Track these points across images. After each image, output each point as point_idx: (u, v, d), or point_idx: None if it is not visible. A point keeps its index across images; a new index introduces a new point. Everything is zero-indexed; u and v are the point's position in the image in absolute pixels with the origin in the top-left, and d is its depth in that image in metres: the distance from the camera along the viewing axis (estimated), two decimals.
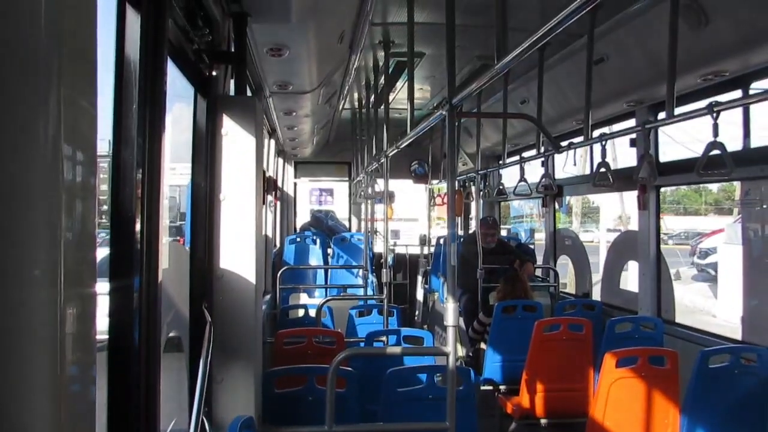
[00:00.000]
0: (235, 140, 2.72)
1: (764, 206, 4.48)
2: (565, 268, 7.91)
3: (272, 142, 7.36)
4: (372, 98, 6.59)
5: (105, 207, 1.73)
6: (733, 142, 3.86)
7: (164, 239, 1.87)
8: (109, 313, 1.53)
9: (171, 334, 2.33)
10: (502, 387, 5.01)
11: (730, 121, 3.79)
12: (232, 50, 2.94)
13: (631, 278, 6.69)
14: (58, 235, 0.89)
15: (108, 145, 1.69)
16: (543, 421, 4.37)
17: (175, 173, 3.93)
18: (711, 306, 14.56)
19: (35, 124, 0.89)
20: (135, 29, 1.64)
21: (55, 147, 0.90)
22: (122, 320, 1.54)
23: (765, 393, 3.38)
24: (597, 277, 6.92)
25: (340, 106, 7.28)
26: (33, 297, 0.87)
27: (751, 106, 3.94)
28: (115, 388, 1.50)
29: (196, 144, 2.70)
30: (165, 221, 1.79)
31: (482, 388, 5.01)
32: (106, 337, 1.53)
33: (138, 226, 1.60)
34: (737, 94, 4.07)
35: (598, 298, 6.18)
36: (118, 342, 1.53)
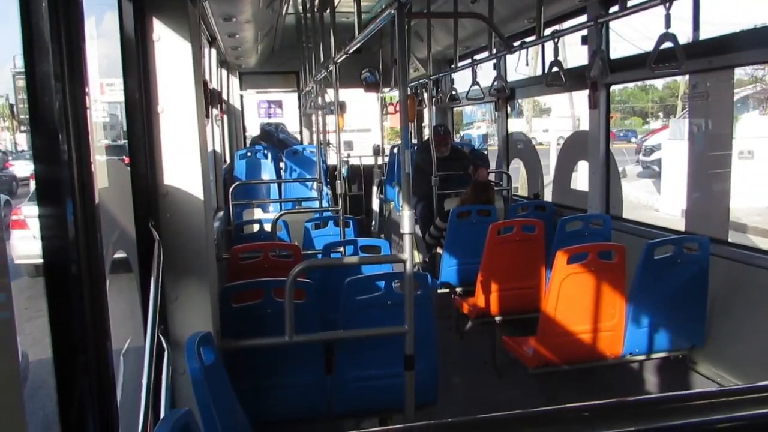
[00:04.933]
0: (169, 46, 2.52)
1: (709, 99, 4.54)
2: (518, 172, 8.01)
3: (213, 51, 6.96)
4: (316, 2, 6.23)
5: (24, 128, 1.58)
6: (681, 38, 3.82)
7: (99, 157, 1.75)
8: (41, 240, 1.43)
9: (116, 255, 2.24)
10: (458, 289, 5.16)
11: (678, 17, 3.74)
12: None
13: (580, 178, 6.82)
14: None
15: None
16: (497, 318, 4.56)
17: (114, 89, 3.69)
18: (654, 201, 15.19)
19: None
20: None
21: None
22: (57, 246, 1.44)
23: (704, 278, 3.58)
24: (549, 179, 7.04)
25: (284, 11, 6.88)
26: None
27: None
28: (57, 316, 1.43)
29: (126, 52, 2.48)
30: (101, 139, 1.66)
31: (439, 291, 5.14)
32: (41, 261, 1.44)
33: (64, 146, 1.47)
34: None
35: (550, 199, 6.32)
36: (54, 268, 1.44)
